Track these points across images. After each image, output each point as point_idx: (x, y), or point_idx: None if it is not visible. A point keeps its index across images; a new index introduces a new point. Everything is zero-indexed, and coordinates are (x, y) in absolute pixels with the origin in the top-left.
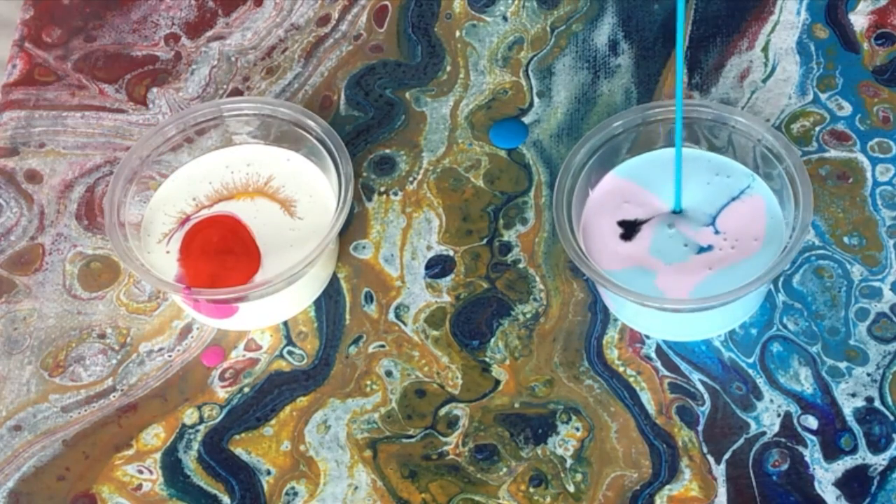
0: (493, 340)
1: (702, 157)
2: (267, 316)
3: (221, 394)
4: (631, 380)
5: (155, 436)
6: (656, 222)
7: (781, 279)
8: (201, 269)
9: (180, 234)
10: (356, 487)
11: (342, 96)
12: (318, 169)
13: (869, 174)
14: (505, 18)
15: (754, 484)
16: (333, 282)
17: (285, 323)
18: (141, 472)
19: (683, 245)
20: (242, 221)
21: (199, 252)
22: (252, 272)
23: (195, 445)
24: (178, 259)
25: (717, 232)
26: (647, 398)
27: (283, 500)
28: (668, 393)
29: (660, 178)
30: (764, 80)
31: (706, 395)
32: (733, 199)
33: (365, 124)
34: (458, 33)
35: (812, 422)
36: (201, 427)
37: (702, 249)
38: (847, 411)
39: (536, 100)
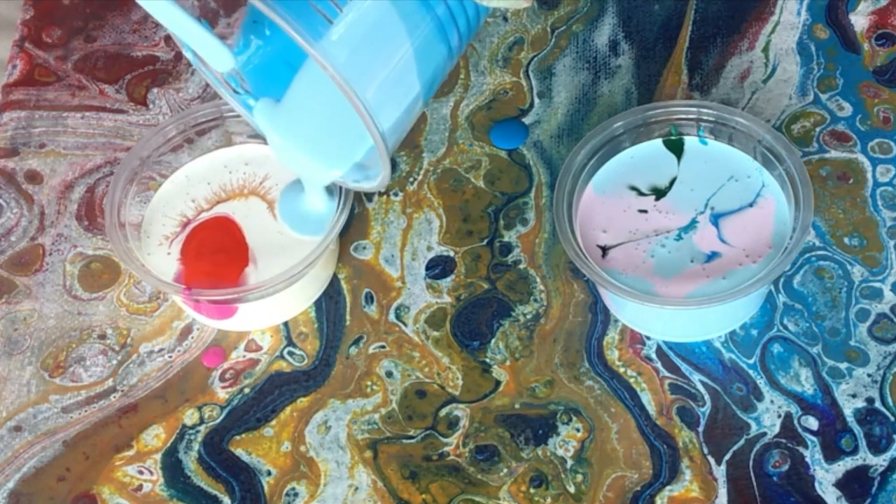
0: (493, 341)
1: (721, 153)
2: (267, 317)
3: (222, 394)
4: (631, 381)
5: (155, 436)
6: (650, 242)
7: (782, 280)
8: (196, 270)
9: (181, 237)
10: (357, 488)
11: None
12: None
13: (869, 175)
14: (505, 19)
15: (755, 485)
16: (334, 282)
17: (286, 324)
18: (141, 472)
19: (690, 261)
20: (235, 221)
21: (195, 253)
22: (242, 269)
23: (195, 446)
24: (178, 260)
25: (723, 241)
26: (647, 399)
27: (284, 501)
28: (669, 394)
29: (651, 172)
30: (764, 81)
31: (707, 396)
32: (750, 205)
33: None
34: None
35: (812, 422)
36: (202, 428)
37: (709, 258)
38: (847, 412)
39: (537, 100)
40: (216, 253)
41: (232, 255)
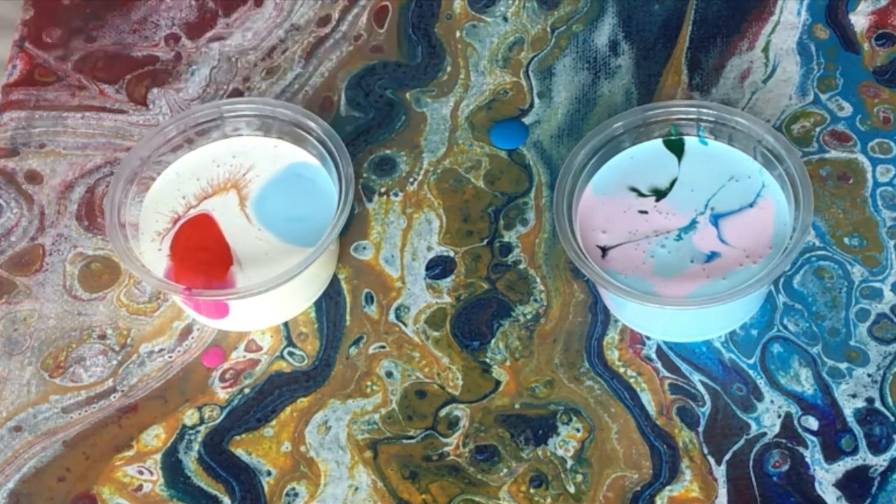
0: (493, 341)
1: (722, 153)
2: (267, 317)
3: (222, 395)
4: (631, 381)
5: (155, 436)
6: (650, 243)
7: (782, 280)
8: (185, 266)
9: (171, 234)
10: (357, 488)
11: (342, 97)
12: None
13: (869, 175)
14: (505, 19)
15: (755, 485)
16: (334, 283)
17: (286, 324)
18: (141, 472)
19: (690, 261)
20: (214, 219)
21: (182, 249)
22: (228, 267)
23: (196, 446)
24: (168, 256)
25: (724, 241)
26: (647, 399)
27: (284, 501)
28: (669, 394)
29: (651, 172)
30: (764, 81)
31: (707, 396)
32: (750, 205)
33: (365, 125)
34: (458, 34)
35: (812, 422)
36: (202, 428)
37: (709, 258)
38: (847, 412)
39: (537, 100)
40: (200, 250)
41: (215, 253)
